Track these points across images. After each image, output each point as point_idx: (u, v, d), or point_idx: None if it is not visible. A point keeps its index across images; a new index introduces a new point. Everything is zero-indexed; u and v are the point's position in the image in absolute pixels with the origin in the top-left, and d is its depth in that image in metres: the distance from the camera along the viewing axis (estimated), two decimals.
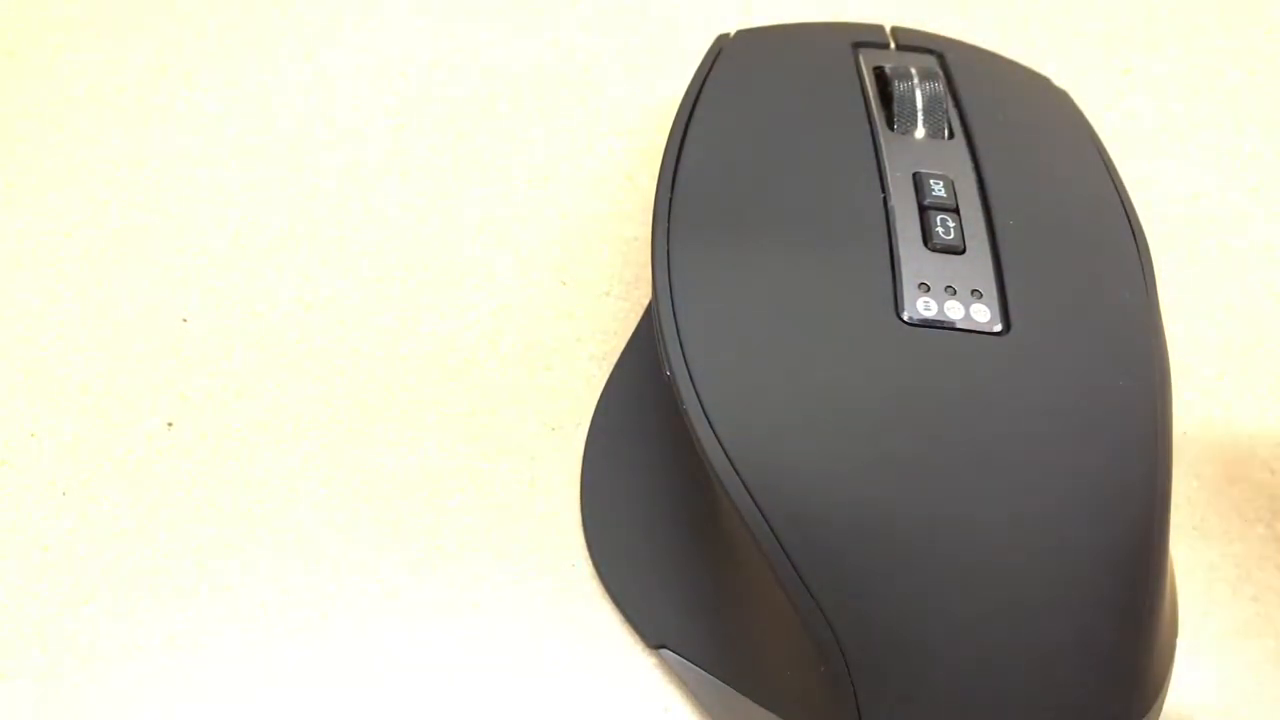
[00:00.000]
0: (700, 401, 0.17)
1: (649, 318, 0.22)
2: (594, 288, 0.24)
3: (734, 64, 0.22)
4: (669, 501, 0.20)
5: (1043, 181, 0.21)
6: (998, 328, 0.18)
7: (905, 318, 0.18)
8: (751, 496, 0.17)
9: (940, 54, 0.22)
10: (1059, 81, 0.24)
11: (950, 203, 0.19)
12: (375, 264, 0.24)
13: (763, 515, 0.17)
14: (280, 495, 0.21)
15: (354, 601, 0.20)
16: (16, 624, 0.20)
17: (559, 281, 0.24)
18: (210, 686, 0.19)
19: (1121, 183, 0.21)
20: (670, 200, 0.20)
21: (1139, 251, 0.20)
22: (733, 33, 0.23)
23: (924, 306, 0.18)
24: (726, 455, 0.17)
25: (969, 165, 0.20)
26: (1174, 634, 0.20)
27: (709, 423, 0.17)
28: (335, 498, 0.21)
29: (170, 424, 0.22)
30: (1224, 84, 0.28)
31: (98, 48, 0.27)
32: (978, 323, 0.18)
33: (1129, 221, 0.20)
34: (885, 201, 0.19)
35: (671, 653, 0.19)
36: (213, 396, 0.22)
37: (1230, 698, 0.20)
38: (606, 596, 0.20)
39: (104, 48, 0.27)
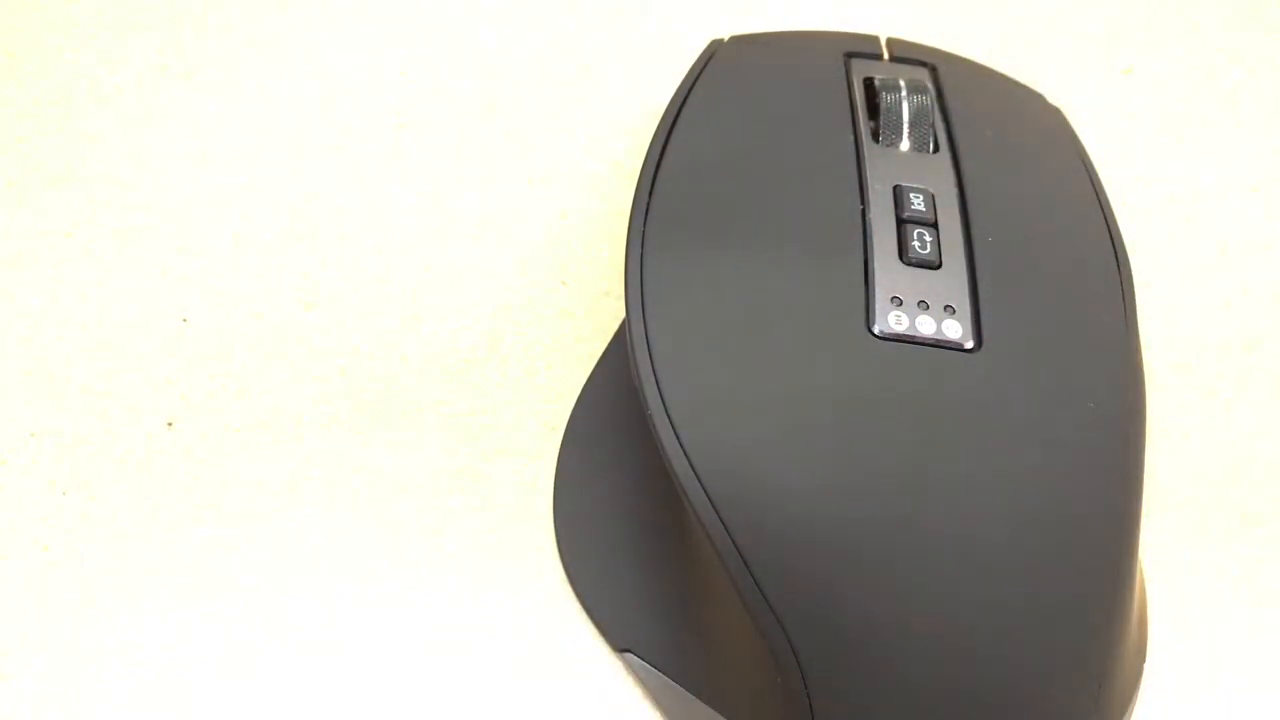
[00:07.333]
0: (666, 409, 0.17)
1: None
2: (594, 288, 0.24)
3: (724, 70, 0.22)
4: (638, 507, 0.20)
5: (1026, 199, 0.20)
6: (969, 344, 0.18)
7: (876, 331, 0.18)
8: (713, 505, 0.17)
9: (933, 67, 0.22)
10: (1059, 82, 0.24)
11: (929, 217, 0.19)
12: (375, 264, 0.24)
13: (724, 525, 0.17)
14: (280, 495, 0.21)
15: (354, 602, 0.20)
16: (16, 624, 0.20)
17: (559, 281, 0.24)
18: (210, 686, 0.19)
19: (1108, 203, 0.20)
20: (648, 205, 0.19)
21: (1120, 272, 0.19)
22: (727, 37, 0.23)
23: (895, 321, 0.18)
24: (690, 463, 0.17)
25: (952, 180, 0.20)
26: (1143, 648, 0.20)
27: (674, 430, 0.17)
28: (335, 498, 0.21)
29: (170, 424, 0.22)
30: (1224, 83, 0.28)
31: (98, 48, 0.27)
32: (949, 339, 0.18)
33: (1112, 242, 0.20)
34: (864, 214, 0.19)
35: (635, 657, 0.19)
36: (213, 396, 0.22)
37: (1231, 697, 0.20)
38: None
39: (104, 48, 0.27)
